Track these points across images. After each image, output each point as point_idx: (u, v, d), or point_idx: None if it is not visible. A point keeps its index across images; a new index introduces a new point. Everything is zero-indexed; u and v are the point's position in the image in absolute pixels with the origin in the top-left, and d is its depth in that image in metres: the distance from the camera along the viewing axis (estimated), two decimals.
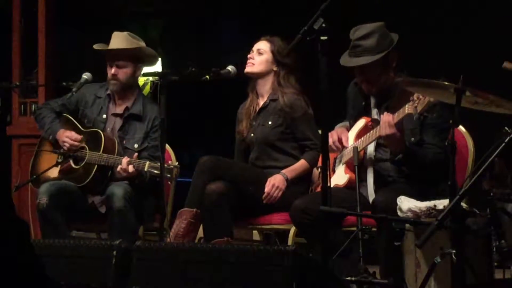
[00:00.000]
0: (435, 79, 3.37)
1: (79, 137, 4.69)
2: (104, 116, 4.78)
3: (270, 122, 4.61)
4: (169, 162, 4.35)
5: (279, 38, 4.65)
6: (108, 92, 4.81)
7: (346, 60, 4.18)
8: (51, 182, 4.62)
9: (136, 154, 4.57)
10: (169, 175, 4.27)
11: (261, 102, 4.69)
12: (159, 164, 4.30)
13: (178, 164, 4.39)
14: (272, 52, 4.62)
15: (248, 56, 4.67)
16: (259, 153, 4.64)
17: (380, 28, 4.14)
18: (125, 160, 4.48)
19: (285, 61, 4.60)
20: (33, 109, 5.95)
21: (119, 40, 4.76)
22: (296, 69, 4.64)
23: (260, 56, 4.64)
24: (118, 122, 4.78)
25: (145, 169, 4.41)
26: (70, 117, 4.83)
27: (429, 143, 4.07)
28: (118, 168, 4.49)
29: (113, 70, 4.73)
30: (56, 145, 4.79)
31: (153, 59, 4.90)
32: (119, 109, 4.80)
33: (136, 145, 4.70)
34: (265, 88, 4.67)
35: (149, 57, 4.84)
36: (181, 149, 4.48)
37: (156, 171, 4.33)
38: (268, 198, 4.47)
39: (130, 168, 4.46)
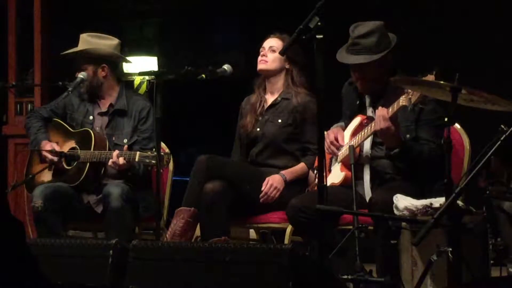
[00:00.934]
0: (428, 72, 3.38)
1: (55, 159, 4.66)
2: (91, 117, 4.79)
3: (280, 121, 4.59)
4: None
5: (288, 35, 4.60)
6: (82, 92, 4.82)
7: (344, 57, 4.17)
8: (44, 185, 4.61)
9: (126, 146, 4.57)
10: (160, 163, 4.28)
11: (270, 99, 4.66)
12: (149, 152, 4.31)
13: (168, 151, 4.39)
14: None
15: (261, 53, 4.63)
16: (262, 148, 4.62)
17: (380, 28, 4.14)
18: (115, 153, 4.48)
19: (297, 59, 4.56)
20: (29, 108, 5.95)
21: (80, 42, 4.80)
22: (306, 67, 4.60)
23: (273, 53, 4.60)
24: (105, 120, 4.79)
25: (136, 159, 4.40)
26: (60, 121, 4.84)
27: (425, 139, 4.08)
28: (110, 162, 4.49)
29: (76, 73, 4.76)
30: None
31: (116, 59, 4.85)
32: (103, 107, 4.82)
33: (125, 140, 4.70)
34: (277, 86, 4.64)
35: (108, 57, 4.79)
36: (178, 148, 4.48)
37: (148, 160, 4.33)
38: (265, 198, 4.46)
39: (121, 160, 4.45)
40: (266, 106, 4.66)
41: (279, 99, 4.62)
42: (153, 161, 4.28)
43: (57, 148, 4.71)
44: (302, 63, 4.59)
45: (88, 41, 4.79)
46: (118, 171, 4.55)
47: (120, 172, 4.56)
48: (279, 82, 4.63)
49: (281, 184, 4.47)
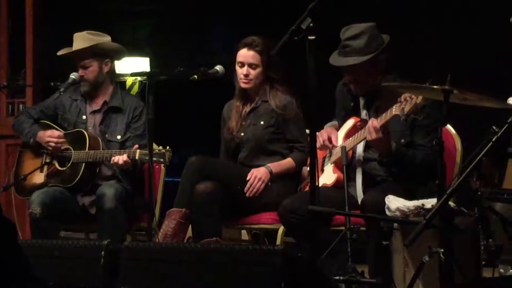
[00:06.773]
0: (422, 81, 3.38)
1: (61, 134, 4.69)
2: (84, 117, 4.80)
3: (262, 122, 4.58)
4: (160, 147, 4.38)
5: (259, 38, 4.53)
6: (82, 92, 4.82)
7: (335, 59, 4.19)
8: (42, 191, 4.58)
9: (137, 146, 4.55)
10: (162, 160, 4.32)
11: (251, 103, 4.66)
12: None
13: (169, 148, 4.40)
14: (263, 62, 4.53)
15: (242, 72, 4.53)
16: (249, 152, 4.61)
17: (370, 29, 4.13)
18: (121, 157, 4.48)
19: (274, 64, 4.52)
20: (20, 109, 5.94)
21: (78, 41, 4.79)
22: (284, 67, 4.59)
23: (254, 70, 4.54)
24: (98, 117, 4.80)
25: (137, 157, 4.44)
26: (49, 123, 4.82)
27: (419, 144, 4.07)
28: (116, 159, 4.48)
29: (80, 72, 4.76)
30: (38, 150, 4.77)
31: (119, 53, 4.89)
32: (96, 106, 4.82)
33: (119, 137, 4.72)
34: (256, 91, 4.62)
35: (114, 51, 4.84)
36: (170, 149, 4.47)
37: (148, 158, 4.33)
38: (250, 190, 4.44)
39: (125, 157, 4.46)
40: (247, 111, 4.64)
41: (259, 102, 4.61)
42: (154, 158, 4.30)
43: (61, 134, 4.68)
44: (281, 65, 4.53)
45: (89, 38, 4.79)
46: (121, 166, 4.53)
47: (126, 169, 4.56)
48: (259, 87, 4.60)
49: (265, 176, 4.45)
